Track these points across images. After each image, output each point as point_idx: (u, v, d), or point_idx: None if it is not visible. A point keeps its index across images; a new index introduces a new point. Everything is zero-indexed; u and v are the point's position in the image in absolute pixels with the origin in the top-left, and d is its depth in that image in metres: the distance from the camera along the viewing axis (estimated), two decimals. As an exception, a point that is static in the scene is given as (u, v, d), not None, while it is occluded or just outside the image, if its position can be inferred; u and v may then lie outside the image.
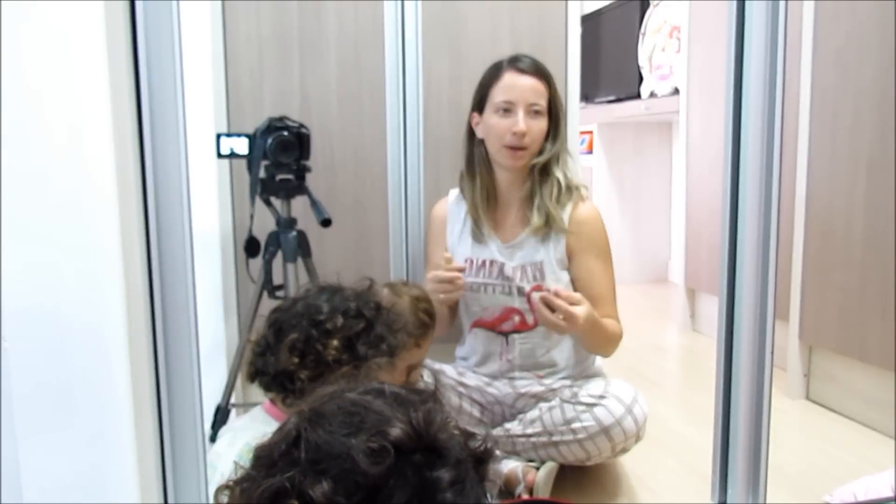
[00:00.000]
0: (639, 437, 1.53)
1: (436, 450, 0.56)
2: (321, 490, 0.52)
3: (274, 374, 1.06)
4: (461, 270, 1.57)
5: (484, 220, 1.65)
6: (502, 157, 1.59)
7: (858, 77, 1.88)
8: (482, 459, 0.60)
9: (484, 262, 1.65)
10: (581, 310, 1.43)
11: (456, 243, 1.71)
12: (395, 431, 0.54)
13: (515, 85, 1.56)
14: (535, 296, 1.47)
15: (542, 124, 1.57)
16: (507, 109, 1.56)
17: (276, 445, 0.57)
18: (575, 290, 1.60)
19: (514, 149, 1.56)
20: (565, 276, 1.61)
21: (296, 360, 1.03)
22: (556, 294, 1.42)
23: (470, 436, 0.60)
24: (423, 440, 0.55)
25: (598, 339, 1.57)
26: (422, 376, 1.55)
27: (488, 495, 0.60)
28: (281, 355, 1.04)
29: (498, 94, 1.57)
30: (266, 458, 0.57)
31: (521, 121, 1.54)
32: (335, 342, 1.04)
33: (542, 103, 1.57)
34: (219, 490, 0.62)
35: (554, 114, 1.59)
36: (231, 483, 0.60)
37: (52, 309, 0.84)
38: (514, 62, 1.58)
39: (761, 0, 1.12)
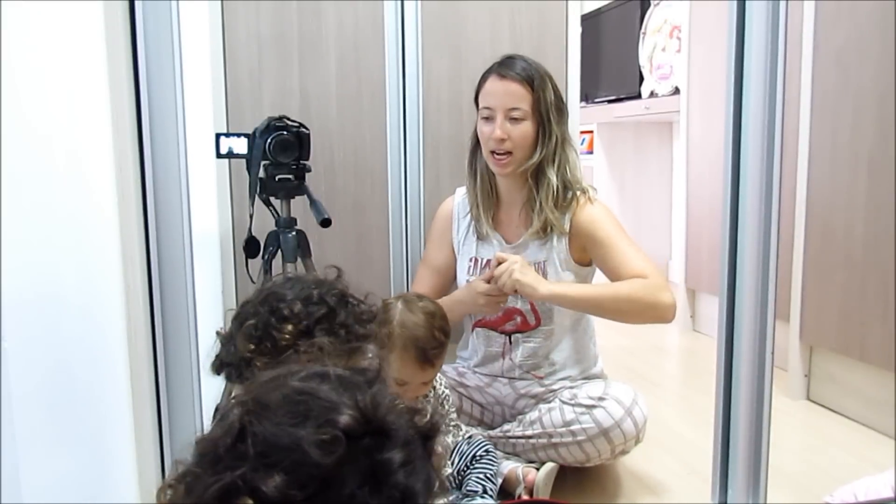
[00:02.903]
0: (638, 439, 1.53)
1: (384, 432, 0.55)
2: (273, 484, 0.51)
3: (235, 363, 1.02)
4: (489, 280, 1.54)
5: (486, 221, 1.64)
6: (490, 163, 1.59)
7: (858, 77, 1.88)
8: (428, 436, 0.59)
9: (488, 263, 1.65)
10: (508, 264, 1.48)
11: (461, 242, 1.70)
12: (344, 419, 0.53)
13: (494, 91, 1.55)
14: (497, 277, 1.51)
15: (523, 129, 1.54)
16: (489, 116, 1.55)
17: (220, 440, 0.55)
18: (608, 277, 1.58)
19: (498, 155, 1.55)
20: (567, 277, 1.60)
21: (251, 346, 0.99)
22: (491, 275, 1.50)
23: (416, 412, 0.59)
24: (372, 424, 0.54)
25: (596, 300, 1.54)
26: (433, 388, 1.54)
27: (435, 471, 0.59)
28: (239, 342, 1.00)
29: (482, 101, 1.58)
30: (211, 454, 0.56)
31: (497, 127, 1.53)
32: (289, 327, 1.00)
33: (524, 107, 1.53)
34: (161, 490, 0.59)
35: (541, 117, 1.55)
36: (173, 481, 0.58)
37: (52, 309, 0.84)
38: (499, 67, 1.56)
39: (761, 0, 1.12)
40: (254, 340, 0.99)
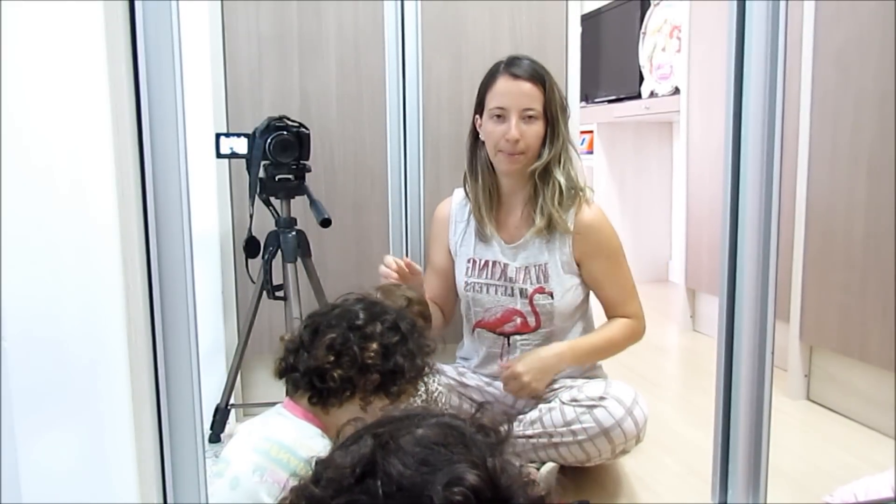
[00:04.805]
0: (639, 438, 1.53)
1: (506, 500, 0.55)
2: None
3: (304, 371, 1.09)
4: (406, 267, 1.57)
5: (487, 221, 1.64)
6: (498, 162, 1.59)
7: (858, 77, 1.88)
8: None
9: (487, 263, 1.65)
10: (522, 367, 1.53)
11: (459, 243, 1.70)
12: (473, 478, 0.53)
13: (508, 91, 1.55)
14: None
15: (536, 128, 1.56)
16: (501, 115, 1.55)
17: (349, 469, 0.55)
18: (594, 292, 1.66)
19: (509, 154, 1.56)
20: (570, 280, 1.60)
21: (331, 358, 1.07)
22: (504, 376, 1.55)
23: (532, 484, 0.59)
24: (498, 490, 0.55)
25: (597, 356, 1.64)
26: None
27: None
28: (317, 353, 1.08)
29: (492, 100, 1.57)
30: (336, 481, 0.56)
31: (513, 127, 1.53)
32: (374, 346, 1.08)
33: (537, 107, 1.55)
34: (282, 501, 0.61)
35: (550, 117, 1.57)
36: (294, 497, 0.59)
37: (52, 308, 0.84)
38: (510, 66, 1.57)
39: (761, 0, 1.12)
40: (334, 353, 1.07)
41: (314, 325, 1.12)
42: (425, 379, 1.17)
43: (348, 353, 1.07)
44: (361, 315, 1.11)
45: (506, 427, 0.63)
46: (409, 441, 0.56)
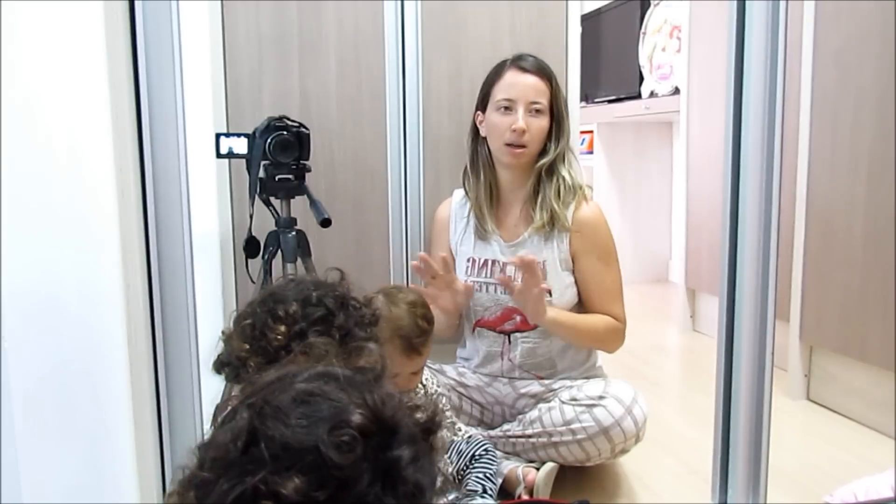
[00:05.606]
0: (638, 437, 1.53)
1: (393, 429, 0.56)
2: (293, 486, 0.51)
3: (233, 363, 1.02)
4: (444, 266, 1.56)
5: (488, 218, 1.65)
6: (503, 155, 1.60)
7: (858, 77, 1.88)
8: (430, 430, 0.60)
9: (486, 262, 1.65)
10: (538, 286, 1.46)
11: (459, 242, 1.71)
12: (357, 418, 0.54)
13: (516, 83, 1.57)
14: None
15: (542, 123, 1.58)
16: (508, 107, 1.57)
17: (230, 444, 0.55)
18: (579, 290, 1.63)
19: (514, 146, 1.57)
20: (568, 278, 1.61)
21: (246, 346, 1.00)
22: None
23: (416, 409, 0.60)
24: (383, 422, 0.55)
25: (574, 332, 1.59)
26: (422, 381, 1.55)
27: (438, 467, 0.60)
28: (233, 343, 1.01)
29: (499, 92, 1.59)
30: (222, 459, 0.54)
31: (520, 118, 1.55)
32: (282, 328, 1.00)
33: (544, 102, 1.57)
34: (168, 495, 0.59)
35: (556, 113, 1.60)
36: (180, 488, 0.57)
37: (52, 309, 0.84)
38: (517, 61, 1.60)
39: (761, 0, 1.12)
40: (248, 340, 0.99)
41: (241, 315, 1.05)
42: (373, 347, 1.10)
43: (263, 339, 1.00)
44: (286, 296, 1.04)
45: (379, 364, 0.63)
46: (285, 400, 0.56)
